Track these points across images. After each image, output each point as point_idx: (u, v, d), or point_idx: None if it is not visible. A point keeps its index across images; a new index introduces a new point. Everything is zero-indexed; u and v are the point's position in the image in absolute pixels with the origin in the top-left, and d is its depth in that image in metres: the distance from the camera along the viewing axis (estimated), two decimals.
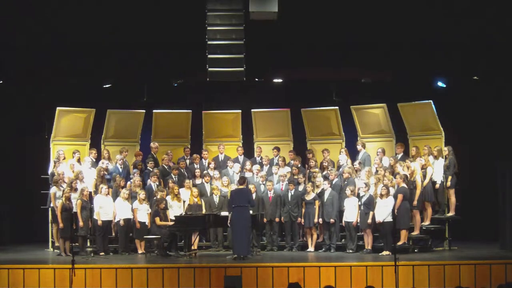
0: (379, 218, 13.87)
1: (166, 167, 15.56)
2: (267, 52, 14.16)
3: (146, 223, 14.47)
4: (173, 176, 15.29)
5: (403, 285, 12.02)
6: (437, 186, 14.56)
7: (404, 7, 13.34)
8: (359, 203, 14.21)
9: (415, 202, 14.15)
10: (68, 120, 15.85)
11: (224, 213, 14.20)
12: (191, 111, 16.67)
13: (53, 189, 14.62)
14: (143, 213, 14.47)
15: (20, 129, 16.64)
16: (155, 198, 14.46)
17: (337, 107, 16.29)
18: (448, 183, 14.47)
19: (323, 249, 14.63)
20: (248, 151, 16.48)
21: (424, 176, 14.38)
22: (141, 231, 14.46)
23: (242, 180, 14.00)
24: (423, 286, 12.25)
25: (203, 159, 16.00)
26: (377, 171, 14.70)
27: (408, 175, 14.27)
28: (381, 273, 12.29)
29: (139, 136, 16.52)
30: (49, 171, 15.20)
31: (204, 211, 14.64)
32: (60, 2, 13.27)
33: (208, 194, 15.09)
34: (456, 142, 14.99)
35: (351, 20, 13.52)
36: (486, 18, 13.44)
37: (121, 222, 14.44)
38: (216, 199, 14.96)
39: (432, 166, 14.51)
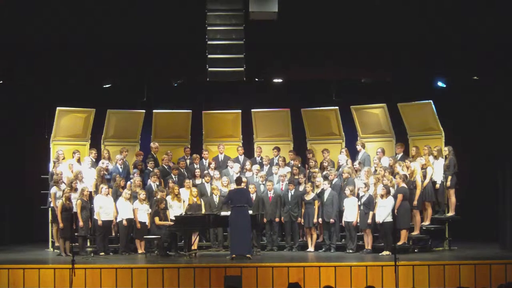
0: (378, 219, 13.87)
1: (166, 167, 15.56)
2: (267, 52, 14.15)
3: (146, 223, 14.47)
4: (173, 176, 15.29)
5: (403, 285, 12.03)
6: (437, 186, 14.57)
7: (404, 7, 13.34)
8: (359, 203, 14.22)
9: (415, 202, 14.15)
10: (68, 120, 15.85)
11: (224, 213, 14.19)
12: (191, 111, 16.67)
13: (53, 189, 14.62)
14: (143, 213, 14.47)
15: (20, 129, 16.64)
16: (155, 198, 14.46)
17: (337, 107, 16.29)
18: (448, 183, 14.48)
19: (323, 249, 14.63)
20: (248, 151, 16.48)
21: (424, 176, 14.39)
22: (141, 231, 14.46)
23: (239, 180, 14.03)
24: (423, 286, 12.26)
25: (203, 159, 16.01)
26: (376, 170, 14.71)
27: (408, 175, 14.28)
28: (381, 273, 12.30)
29: (139, 136, 16.53)
30: (49, 171, 15.22)
31: (204, 211, 14.65)
32: (60, 2, 13.26)
33: (208, 194, 15.09)
34: (456, 142, 14.99)
35: (351, 20, 13.52)
36: (487, 18, 13.43)
37: (124, 222, 14.43)
38: (216, 199, 14.96)
39: (432, 166, 14.52)
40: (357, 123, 16.23)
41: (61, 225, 14.13)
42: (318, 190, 14.70)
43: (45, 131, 15.95)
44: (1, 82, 14.81)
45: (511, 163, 14.32)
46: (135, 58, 14.27)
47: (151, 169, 15.36)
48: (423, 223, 14.49)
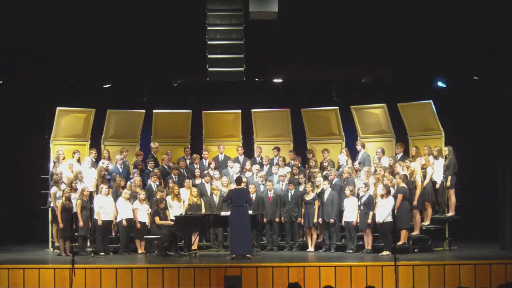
0: (378, 219, 13.87)
1: (166, 167, 15.56)
2: (267, 52, 14.16)
3: (146, 223, 14.47)
4: (173, 176, 15.29)
5: (403, 285, 12.03)
6: (437, 186, 14.57)
7: (404, 7, 13.34)
8: (359, 203, 14.22)
9: (415, 202, 14.16)
10: (68, 120, 15.85)
11: (224, 213, 14.19)
12: (191, 111, 16.67)
13: (53, 189, 14.63)
14: (143, 213, 14.48)
15: (20, 129, 16.64)
16: (155, 198, 14.47)
17: (337, 107, 16.30)
18: (448, 183, 14.48)
19: (323, 249, 14.63)
20: (248, 151, 16.48)
21: (424, 176, 14.39)
22: (141, 231, 14.46)
23: (239, 180, 14.03)
24: (423, 286, 12.26)
25: (203, 159, 16.01)
26: (376, 170, 14.71)
27: (408, 175, 14.28)
28: (381, 273, 12.30)
29: (139, 136, 16.52)
30: (49, 171, 15.22)
31: (204, 211, 14.65)
32: (60, 2, 13.27)
33: (208, 194, 15.10)
34: (456, 142, 14.99)
35: (351, 20, 13.52)
36: (487, 18, 13.43)
37: (124, 222, 14.44)
38: (216, 199, 14.96)
39: (432, 166, 14.52)
40: (357, 123, 16.23)
41: (61, 225, 14.13)
42: (318, 190, 14.70)
43: (45, 131, 15.96)
44: (1, 82, 14.81)
45: (511, 163, 14.33)
46: (135, 58, 14.27)
47: (151, 169, 15.36)
48: (423, 223, 14.49)
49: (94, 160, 15.41)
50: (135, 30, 13.61)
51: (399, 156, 15.07)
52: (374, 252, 14.04)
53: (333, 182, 14.82)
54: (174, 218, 14.09)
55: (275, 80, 15.99)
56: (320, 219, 14.55)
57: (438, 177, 14.58)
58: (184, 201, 14.73)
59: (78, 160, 15.39)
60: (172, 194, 14.66)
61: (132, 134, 16.46)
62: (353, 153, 15.64)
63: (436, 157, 14.62)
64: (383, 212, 13.85)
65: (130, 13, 13.35)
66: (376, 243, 14.32)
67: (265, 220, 14.81)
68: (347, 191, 14.31)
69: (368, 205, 14.06)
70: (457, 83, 15.20)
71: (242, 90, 16.39)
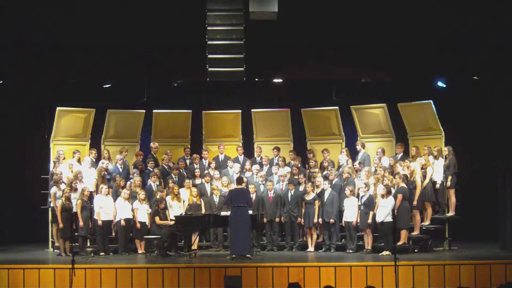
0: (378, 218, 13.87)
1: (166, 167, 15.56)
2: (267, 52, 14.16)
3: (146, 223, 14.47)
4: (173, 176, 15.29)
5: (403, 285, 12.04)
6: (437, 186, 14.57)
7: (404, 7, 13.34)
8: (359, 203, 14.22)
9: (415, 202, 14.16)
10: (68, 120, 15.86)
11: (224, 213, 14.19)
12: (191, 111, 16.68)
13: (53, 189, 14.63)
14: (143, 213, 14.48)
15: (20, 129, 16.64)
16: (155, 198, 14.47)
17: (337, 107, 16.30)
18: (448, 183, 14.48)
19: (323, 249, 14.63)
20: (248, 151, 16.48)
21: (424, 176, 14.39)
22: (141, 231, 14.46)
23: (240, 180, 14.02)
24: (423, 286, 12.26)
25: (203, 159, 16.01)
26: (376, 170, 14.71)
27: (408, 175, 14.28)
28: (381, 273, 12.30)
29: (139, 136, 16.53)
30: (49, 171, 15.22)
31: (204, 211, 14.65)
32: (60, 2, 13.27)
33: (208, 194, 15.10)
34: (456, 142, 14.99)
35: (351, 20, 13.52)
36: (486, 18, 13.43)
37: (122, 222, 14.44)
38: (216, 199, 14.96)
39: (432, 166, 14.53)
40: (357, 123, 16.24)
41: (61, 225, 14.13)
42: (318, 190, 14.70)
43: (45, 131, 15.95)
44: (1, 82, 14.81)
45: (511, 163, 14.32)
46: (135, 58, 14.28)
47: (151, 169, 15.37)
48: (423, 223, 14.49)
49: (94, 160, 15.42)
50: (135, 30, 13.61)
51: (399, 156, 15.07)
52: (374, 252, 14.04)
53: (333, 182, 14.82)
54: (174, 218, 14.10)
55: (275, 80, 15.99)
56: (320, 219, 14.55)
57: (438, 177, 14.59)
58: (184, 201, 14.73)
59: (78, 160, 15.39)
60: (172, 194, 14.66)
61: (132, 134, 16.47)
62: (353, 153, 15.64)
63: (436, 157, 14.63)
64: (383, 212, 13.84)
65: (130, 13, 13.35)
66: (376, 243, 14.32)
67: (265, 220, 14.81)
68: (347, 191, 14.31)
69: (368, 205, 14.06)
70: (457, 83, 15.19)
71: (242, 90, 16.39)
